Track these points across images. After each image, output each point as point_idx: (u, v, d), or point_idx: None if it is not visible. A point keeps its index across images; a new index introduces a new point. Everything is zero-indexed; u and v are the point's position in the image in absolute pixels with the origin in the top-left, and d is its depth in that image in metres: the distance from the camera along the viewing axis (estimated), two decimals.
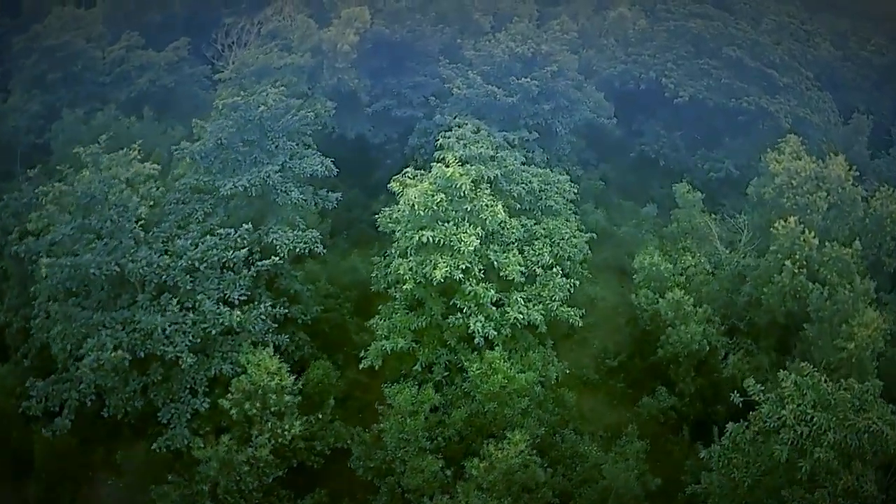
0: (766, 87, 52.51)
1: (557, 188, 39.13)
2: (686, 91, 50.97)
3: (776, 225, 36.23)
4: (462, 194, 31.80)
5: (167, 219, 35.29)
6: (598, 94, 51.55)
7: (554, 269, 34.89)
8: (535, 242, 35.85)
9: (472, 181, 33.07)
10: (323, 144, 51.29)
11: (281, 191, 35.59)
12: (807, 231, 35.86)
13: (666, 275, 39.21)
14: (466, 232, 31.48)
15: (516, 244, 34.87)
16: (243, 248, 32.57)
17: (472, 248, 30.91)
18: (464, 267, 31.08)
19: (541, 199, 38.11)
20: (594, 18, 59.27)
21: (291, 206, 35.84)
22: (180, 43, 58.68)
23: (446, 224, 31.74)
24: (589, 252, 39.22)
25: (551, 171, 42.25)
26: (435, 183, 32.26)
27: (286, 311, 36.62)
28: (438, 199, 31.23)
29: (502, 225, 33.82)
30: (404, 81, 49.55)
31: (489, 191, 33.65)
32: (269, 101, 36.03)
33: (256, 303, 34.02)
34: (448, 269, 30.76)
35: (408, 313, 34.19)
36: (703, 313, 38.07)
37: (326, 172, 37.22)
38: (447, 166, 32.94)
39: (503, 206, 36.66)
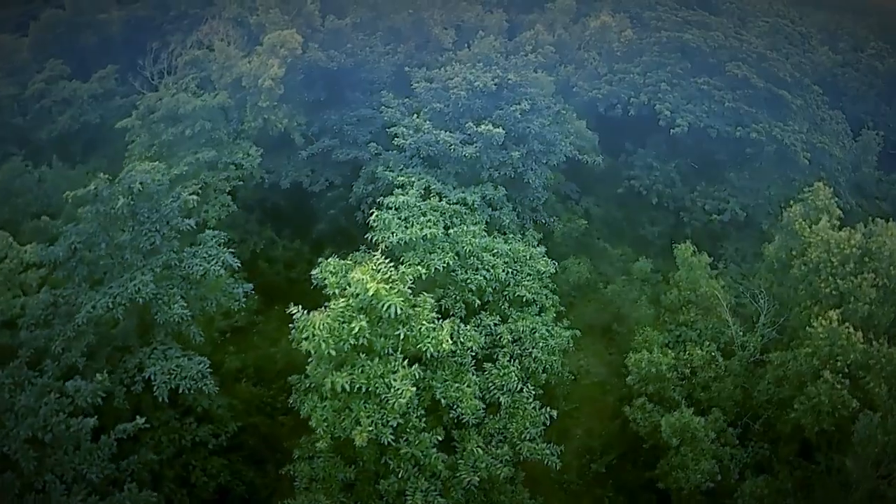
0: (776, 110, 42.10)
1: (530, 267, 28.97)
2: (684, 119, 40.56)
3: (814, 324, 26.34)
4: (393, 314, 21.57)
5: (20, 352, 24.94)
6: (580, 123, 41.16)
7: (524, 392, 24.95)
8: (500, 354, 25.84)
9: (410, 285, 22.93)
10: (254, 194, 41.20)
11: (161, 303, 25.31)
12: (852, 330, 25.96)
13: (668, 375, 29.25)
14: (398, 372, 21.36)
15: (472, 361, 24.80)
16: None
17: (407, 399, 20.82)
18: (395, 424, 21.04)
19: (508, 285, 27.94)
20: (573, 28, 48.44)
21: (176, 321, 25.60)
22: (107, 72, 48.12)
23: (370, 363, 21.59)
24: (572, 346, 29.32)
25: (523, 236, 32.09)
26: (356, 296, 22.05)
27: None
28: (357, 329, 21.08)
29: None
30: (347, 116, 39.01)
31: (433, 300, 23.41)
32: (136, 187, 25.39)
33: (133, 458, 24.24)
34: (373, 429, 20.78)
35: (333, 455, 24.25)
36: (714, 422, 28.44)
37: (221, 270, 26.77)
38: (376, 269, 22.72)
39: (461, 302, 26.74)
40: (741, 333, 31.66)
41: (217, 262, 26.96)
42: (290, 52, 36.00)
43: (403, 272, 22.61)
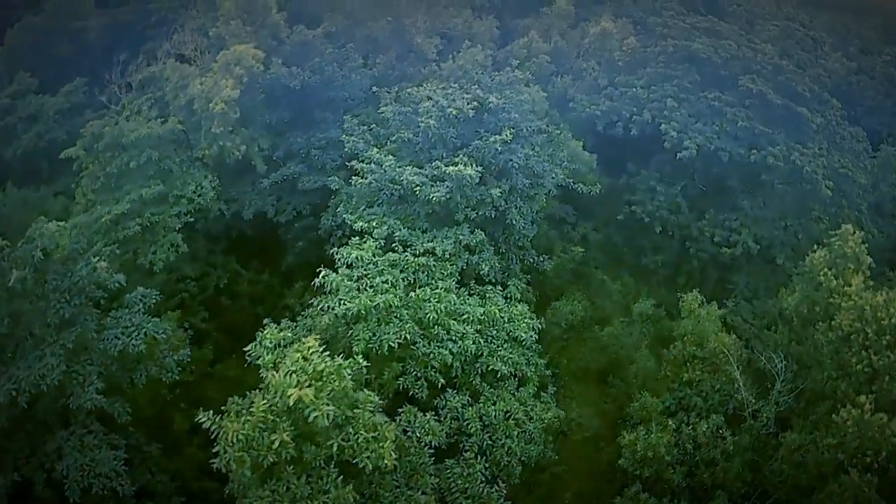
0: (794, 130, 36.94)
1: (508, 332, 24.41)
2: (692, 141, 35.57)
3: (843, 413, 21.64)
4: (322, 424, 17.17)
5: None
6: (576, 144, 36.28)
7: (494, 492, 20.58)
8: (465, 444, 21.45)
9: (352, 374, 18.52)
10: (217, 224, 36.75)
11: (75, 384, 21.18)
12: (885, 420, 21.28)
13: (667, 457, 24.73)
14: (330, 493, 17.07)
15: (431, 459, 20.43)
16: None
17: None
18: None
19: (481, 356, 23.43)
20: (570, 35, 43.34)
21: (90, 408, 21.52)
22: (75, 85, 43.77)
23: (296, 481, 17.25)
24: (555, 417, 24.84)
25: (505, 287, 27.38)
26: (275, 398, 17.66)
27: None
28: (275, 443, 16.73)
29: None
30: (314, 139, 34.45)
31: (378, 398, 18.99)
32: (37, 255, 21.05)
33: None
34: None
35: None
36: None
37: (141, 346, 22.52)
38: (305, 358, 18.28)
39: (422, 380, 22.34)
40: (753, 399, 27.01)
41: (138, 335, 22.65)
42: (246, 71, 31.41)
43: (340, 365, 18.14)
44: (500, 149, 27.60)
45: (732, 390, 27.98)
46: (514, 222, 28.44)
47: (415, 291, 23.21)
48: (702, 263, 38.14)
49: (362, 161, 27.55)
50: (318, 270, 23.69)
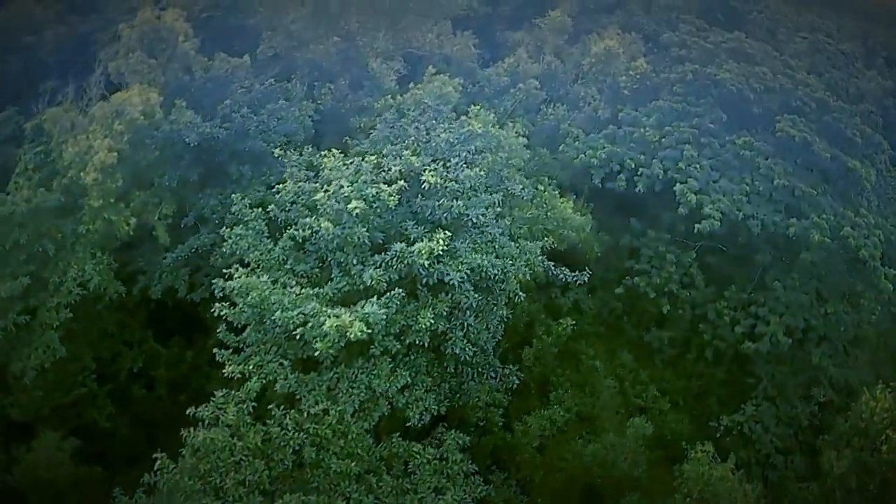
0: (844, 191, 27.74)
1: None
2: (715, 205, 26.74)
3: None
4: None
5: None
6: (563, 205, 27.64)
7: None
8: None
9: None
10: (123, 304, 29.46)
11: None
12: None
13: None
14: None
15: None
16: None
17: None
18: None
19: None
20: (567, 53, 34.01)
21: None
22: (6, 115, 36.03)
23: None
24: None
25: (441, 441, 19.59)
26: None
27: None
28: None
29: None
30: (229, 201, 26.55)
31: None
32: None
33: None
34: None
35: None
36: None
37: None
38: None
39: None
40: None
41: None
42: (127, 127, 23.59)
43: None
44: (427, 263, 19.22)
45: None
46: (456, 351, 20.30)
47: (283, 498, 15.60)
48: (717, 350, 29.59)
49: (229, 279, 19.69)
50: (154, 456, 16.37)
